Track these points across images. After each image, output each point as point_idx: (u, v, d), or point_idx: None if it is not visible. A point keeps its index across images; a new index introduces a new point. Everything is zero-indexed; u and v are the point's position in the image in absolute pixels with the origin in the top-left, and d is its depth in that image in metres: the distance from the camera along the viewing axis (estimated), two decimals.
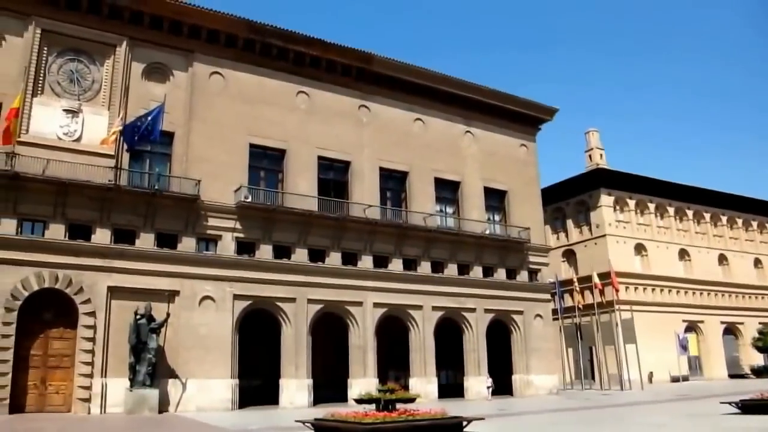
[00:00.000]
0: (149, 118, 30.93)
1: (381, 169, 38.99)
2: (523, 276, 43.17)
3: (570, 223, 63.05)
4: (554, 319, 47.39)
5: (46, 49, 31.33)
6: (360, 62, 38.64)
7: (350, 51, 38.26)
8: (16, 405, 27.44)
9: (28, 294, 28.35)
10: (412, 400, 22.16)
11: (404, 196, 40.06)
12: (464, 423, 21.02)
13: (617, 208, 61.09)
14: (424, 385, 36.22)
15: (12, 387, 27.25)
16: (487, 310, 40.57)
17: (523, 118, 45.83)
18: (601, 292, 52.05)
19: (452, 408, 23.88)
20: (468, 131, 43.17)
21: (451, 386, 40.08)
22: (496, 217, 43.89)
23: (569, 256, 62.46)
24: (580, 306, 53.19)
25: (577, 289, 53.87)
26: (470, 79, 43.72)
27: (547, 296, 44.78)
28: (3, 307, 27.66)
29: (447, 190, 41.84)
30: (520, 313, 42.01)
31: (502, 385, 40.76)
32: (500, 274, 42.01)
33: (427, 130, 41.31)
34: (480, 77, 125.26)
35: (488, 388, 37.75)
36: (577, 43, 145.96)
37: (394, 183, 40.15)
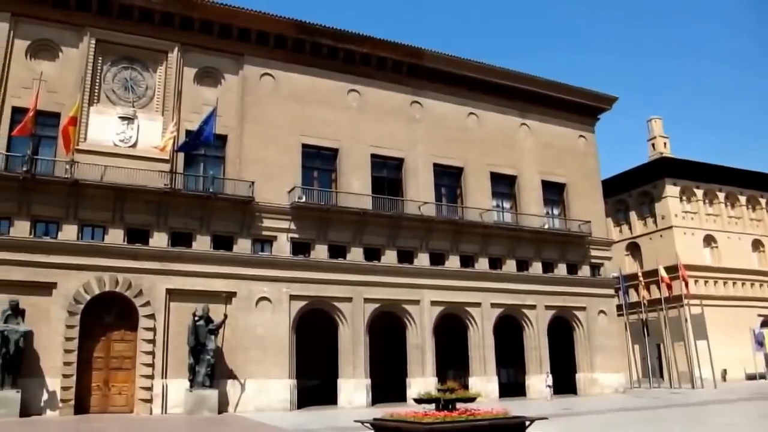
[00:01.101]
0: (204, 124, 31.27)
1: (435, 165, 38.44)
2: (584, 271, 42.02)
3: (633, 215, 61.23)
4: (619, 315, 46.09)
5: (100, 58, 32.02)
6: (411, 58, 38.21)
7: (401, 47, 37.87)
8: (81, 406, 28.15)
9: (89, 298, 29.03)
10: (472, 399, 21.60)
11: (459, 192, 39.42)
12: (527, 423, 20.38)
13: (684, 198, 59.01)
14: (484, 384, 35.52)
15: (76, 388, 27.98)
16: (548, 307, 39.62)
17: (580, 108, 44.61)
18: (669, 287, 50.33)
19: (514, 407, 23.19)
20: (524, 124, 42.26)
21: (511, 385, 39.33)
22: (555, 211, 42.83)
23: (633, 249, 60.67)
24: (646, 301, 51.58)
25: (643, 283, 52.22)
26: (525, 70, 42.78)
27: (611, 291, 43.50)
28: (66, 311, 28.41)
29: (503, 185, 41.02)
30: (583, 309, 40.89)
31: (566, 384, 39.86)
32: (561, 270, 40.96)
33: (482, 124, 40.59)
34: (534, 68, 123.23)
35: (548, 387, 36.76)
36: (635, 30, 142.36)
37: (448, 179, 39.55)
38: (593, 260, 42.54)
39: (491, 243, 38.57)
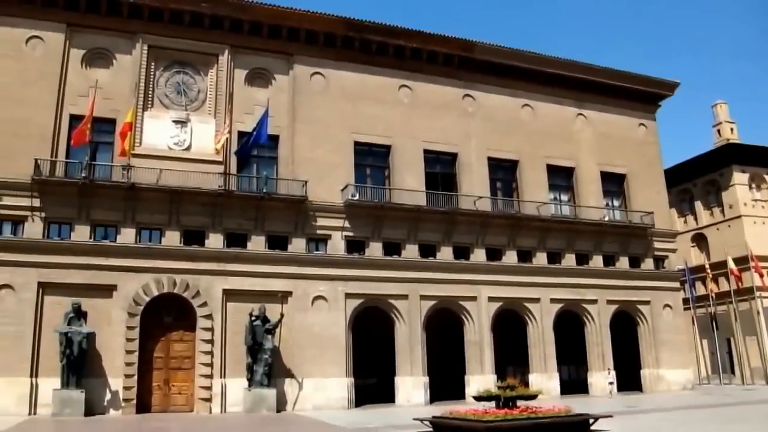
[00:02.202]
0: (257, 126, 31.56)
1: (489, 159, 37.87)
2: (648, 264, 40.78)
3: (699, 204, 59.01)
4: (685, 309, 44.75)
5: (153, 64, 32.60)
6: (462, 51, 37.72)
7: (451, 40, 37.42)
8: (143, 405, 28.78)
9: (149, 299, 29.63)
10: (533, 396, 21.18)
11: (515, 185, 38.77)
12: (591, 421, 19.85)
13: (753, 186, 56.51)
14: (544, 381, 34.83)
15: (138, 388, 28.64)
16: (609, 301, 38.57)
17: (640, 95, 43.26)
18: (739, 279, 48.43)
19: (576, 405, 22.71)
20: (580, 114, 41.26)
21: (573, 382, 38.50)
22: (616, 203, 41.68)
23: (699, 240, 58.50)
24: (714, 294, 49.85)
25: (710, 275, 50.34)
26: (580, 58, 41.80)
27: (677, 285, 42.06)
28: (126, 312, 29.08)
29: (560, 177, 40.15)
30: (647, 303, 39.69)
31: (631, 381, 38.82)
32: (623, 263, 39.83)
33: (536, 116, 39.82)
34: (590, 56, 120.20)
35: (609, 384, 35.68)
36: (694, 11, 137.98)
37: (503, 173, 38.91)
38: (657, 253, 41.24)
39: (549, 237, 37.80)
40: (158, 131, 31.88)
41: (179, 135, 32.22)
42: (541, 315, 36.59)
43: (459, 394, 33.59)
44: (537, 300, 36.66)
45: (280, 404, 29.80)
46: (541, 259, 37.58)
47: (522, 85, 39.69)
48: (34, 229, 29.04)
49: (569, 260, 38.31)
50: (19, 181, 28.76)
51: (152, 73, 32.48)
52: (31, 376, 27.33)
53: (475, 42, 38.02)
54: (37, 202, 29.08)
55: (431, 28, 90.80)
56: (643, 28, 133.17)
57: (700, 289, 52.21)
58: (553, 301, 37.03)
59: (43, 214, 29.20)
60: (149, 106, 32.15)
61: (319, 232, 33.40)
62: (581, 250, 38.77)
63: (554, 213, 38.84)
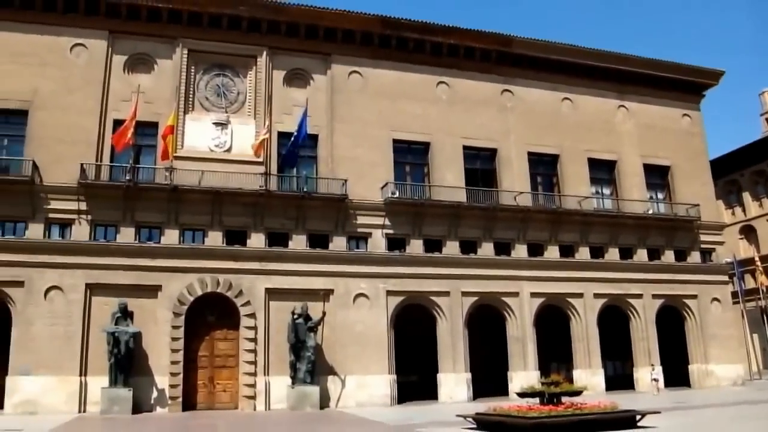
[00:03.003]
0: (298, 127, 31.87)
1: (529, 153, 37.59)
2: (694, 257, 40.01)
3: (747, 196, 57.66)
4: (734, 303, 43.78)
5: (193, 68, 33.26)
6: (499, 46, 37.52)
7: (489, 35, 37.28)
8: (188, 403, 29.38)
9: (193, 299, 30.21)
10: (578, 392, 21.09)
11: (556, 180, 38.41)
12: (638, 417, 19.65)
13: None
14: (589, 376, 34.49)
15: (184, 386, 29.26)
16: (655, 296, 37.94)
17: (683, 85, 42.44)
18: None
19: (622, 401, 22.50)
20: (622, 106, 40.65)
21: (618, 378, 37.86)
22: (659, 195, 41.00)
23: (748, 232, 57.19)
24: (765, 287, 48.72)
25: (760, 268, 49.31)
26: (620, 49, 41.16)
27: (725, 278, 41.21)
28: (171, 312, 29.69)
29: (602, 171, 39.63)
30: (694, 297, 38.96)
31: (678, 376, 38.24)
32: (668, 257, 39.15)
33: (577, 109, 39.37)
34: (631, 47, 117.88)
35: (654, 380, 34.98)
36: None
37: (544, 167, 38.58)
38: (703, 245, 40.43)
39: (592, 231, 37.36)
40: (199, 133, 32.43)
41: (220, 137, 32.71)
42: (585, 310, 36.21)
43: (502, 390, 33.47)
44: (580, 295, 36.29)
45: (324, 401, 30.05)
46: (583, 253, 37.17)
47: (561, 78, 39.30)
48: (81, 232, 29.84)
49: (612, 254, 37.79)
50: (66, 186, 29.61)
51: (192, 76, 33.08)
52: (81, 375, 28.14)
53: (512, 37, 37.80)
54: (83, 206, 29.90)
55: (467, 23, 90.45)
56: (685, 16, 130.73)
57: (750, 282, 51.21)
58: (596, 296, 36.58)
59: (89, 217, 29.99)
60: (190, 109, 32.73)
61: (359, 230, 33.60)
62: (625, 244, 38.21)
63: (596, 207, 38.39)
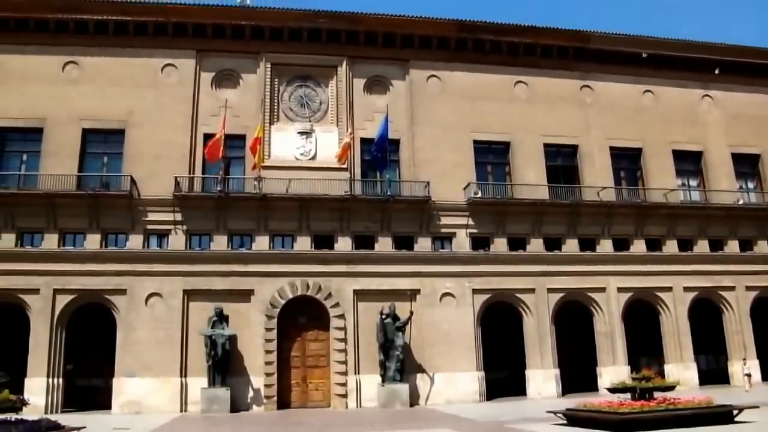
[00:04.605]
0: (380, 133, 32.68)
1: (611, 148, 37.14)
2: None
3: None
4: None
5: (276, 80, 34.58)
6: (577, 42, 37.35)
7: (565, 32, 37.16)
8: (283, 401, 30.52)
9: (284, 302, 31.39)
10: (671, 387, 20.91)
11: (640, 173, 37.77)
12: (735, 412, 19.29)
13: None
14: (681, 371, 33.74)
15: (278, 385, 30.44)
16: (749, 288, 36.75)
17: None
18: None
19: (717, 396, 22.06)
20: (706, 95, 39.61)
21: (712, 372, 36.88)
22: (750, 185, 39.69)
23: None
24: None
25: None
26: (701, 38, 40.08)
27: None
28: (264, 315, 30.92)
29: (688, 162, 38.69)
30: None
31: None
32: (762, 247, 37.78)
33: (659, 101, 38.64)
34: (712, 35, 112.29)
35: (746, 375, 33.66)
36: None
37: (627, 161, 38.03)
38: None
39: (679, 224, 36.57)
40: (285, 143, 33.67)
41: (305, 145, 33.85)
42: (674, 304, 35.49)
43: (591, 386, 33.28)
44: (669, 289, 35.58)
45: (413, 399, 30.60)
46: (671, 247, 36.42)
47: (642, 71, 38.63)
48: (177, 241, 31.51)
49: (702, 247, 36.84)
50: (162, 198, 31.35)
51: (276, 88, 34.39)
52: (181, 376, 29.72)
53: (589, 32, 37.55)
54: (179, 216, 31.58)
55: (542, 21, 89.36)
56: None
57: None
58: (686, 289, 35.78)
59: (184, 227, 31.64)
60: (275, 120, 34.00)
61: (443, 230, 34.12)
62: (714, 236, 37.19)
63: (683, 199, 37.56)
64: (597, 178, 36.25)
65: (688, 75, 39.49)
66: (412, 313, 31.35)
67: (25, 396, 19.16)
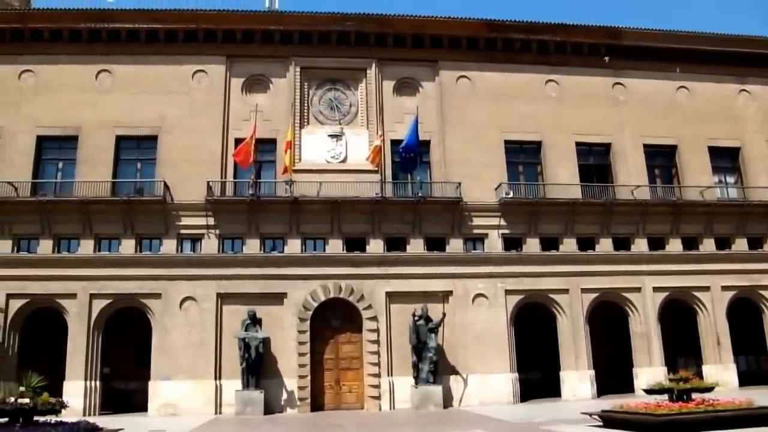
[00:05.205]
0: (410, 135, 32.53)
1: (645, 146, 36.50)
2: None
3: None
4: None
5: (306, 84, 34.73)
6: (608, 39, 36.83)
7: (596, 29, 36.70)
8: (316, 403, 30.61)
9: (317, 304, 31.51)
10: (710, 389, 20.52)
11: (675, 171, 37.10)
12: None
13: None
14: (719, 372, 33.01)
15: (311, 387, 30.57)
16: None
17: None
18: None
19: (758, 397, 21.55)
20: (743, 90, 38.70)
21: (753, 373, 36.12)
22: None
23: None
24: None
25: None
26: (738, 31, 39.24)
27: None
28: (297, 318, 31.07)
29: (724, 159, 37.84)
30: None
31: None
32: None
33: (694, 97, 37.92)
34: (749, 28, 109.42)
35: None
36: None
37: (661, 159, 37.37)
38: None
39: (716, 222, 35.78)
40: (315, 146, 33.80)
41: (335, 148, 33.97)
42: (712, 304, 34.76)
43: (627, 387, 32.74)
44: (706, 288, 34.86)
45: (447, 400, 30.51)
46: (708, 245, 35.66)
47: (676, 66, 37.92)
48: (210, 245, 31.84)
49: (740, 245, 36.00)
50: (194, 203, 31.73)
51: (306, 92, 34.56)
52: (216, 379, 30.02)
53: (622, 28, 37.00)
54: (211, 221, 31.93)
55: (572, 17, 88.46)
56: None
57: None
58: (724, 288, 34.99)
59: (217, 231, 31.97)
60: (305, 123, 34.17)
61: (475, 231, 33.93)
62: (754, 234, 36.31)
63: (720, 197, 36.83)
64: (631, 177, 35.70)
65: (724, 69, 38.61)
66: (444, 314, 31.22)
67: (64, 399, 19.42)
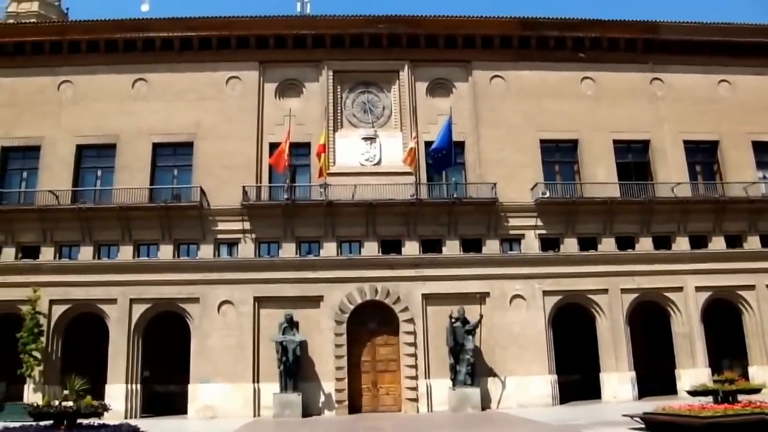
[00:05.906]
0: (444, 136, 32.33)
1: (685, 142, 35.68)
2: None
3: None
4: None
5: (339, 87, 34.82)
6: (645, 33, 36.14)
7: (633, 24, 36.09)
8: (354, 406, 30.64)
9: (353, 307, 31.55)
10: (756, 390, 20.14)
11: (717, 167, 36.21)
12: None
13: None
14: (767, 374, 32.17)
15: (349, 390, 30.60)
16: None
17: None
18: None
19: None
20: None
21: None
22: None
23: None
24: None
25: None
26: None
27: None
28: (334, 321, 31.17)
29: None
30: None
31: None
32: None
33: (735, 91, 36.90)
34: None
35: None
36: None
37: (702, 155, 36.48)
38: None
39: (761, 219, 34.76)
40: (349, 149, 33.87)
41: (369, 151, 34.00)
42: (758, 303, 33.79)
43: (669, 389, 32.12)
44: (752, 287, 33.91)
45: (484, 402, 30.24)
46: (753, 243, 34.68)
47: (716, 60, 36.89)
48: (247, 250, 32.14)
49: None
50: (230, 208, 32.07)
51: (339, 95, 34.65)
52: (254, 382, 30.27)
53: (659, 22, 36.28)
54: (247, 225, 32.24)
55: (607, 12, 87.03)
56: None
57: None
58: None
59: (253, 236, 32.25)
60: (339, 127, 34.26)
61: (511, 232, 33.62)
62: None
63: (765, 192, 35.76)
64: (671, 174, 34.96)
65: (766, 61, 37.68)
66: (481, 316, 30.94)
67: (106, 402, 19.73)
